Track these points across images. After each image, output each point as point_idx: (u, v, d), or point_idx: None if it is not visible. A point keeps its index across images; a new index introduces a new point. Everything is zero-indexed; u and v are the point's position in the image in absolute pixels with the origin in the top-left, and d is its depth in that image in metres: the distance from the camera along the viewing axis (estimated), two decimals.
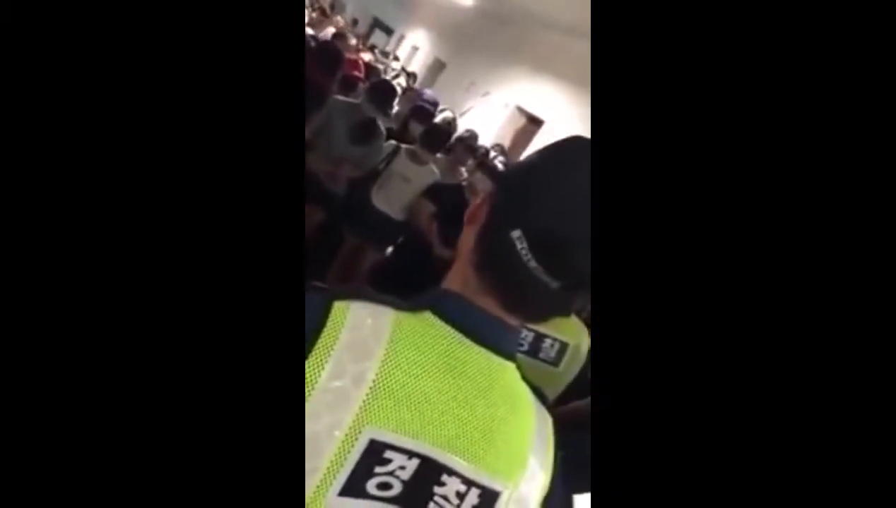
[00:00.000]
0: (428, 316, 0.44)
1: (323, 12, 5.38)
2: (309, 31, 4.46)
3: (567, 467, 0.51)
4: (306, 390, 0.39)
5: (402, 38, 11.66)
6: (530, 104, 5.82)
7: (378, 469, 0.40)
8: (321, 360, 0.39)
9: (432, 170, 2.67)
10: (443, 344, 0.43)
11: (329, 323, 0.41)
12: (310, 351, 0.40)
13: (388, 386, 0.40)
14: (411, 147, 2.71)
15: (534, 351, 1.10)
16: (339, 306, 0.42)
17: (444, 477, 0.42)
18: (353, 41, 5.48)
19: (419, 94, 4.31)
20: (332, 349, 0.40)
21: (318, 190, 2.60)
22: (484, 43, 7.47)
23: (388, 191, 2.66)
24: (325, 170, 2.57)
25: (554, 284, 0.42)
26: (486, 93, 6.55)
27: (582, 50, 5.15)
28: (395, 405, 0.40)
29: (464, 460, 0.42)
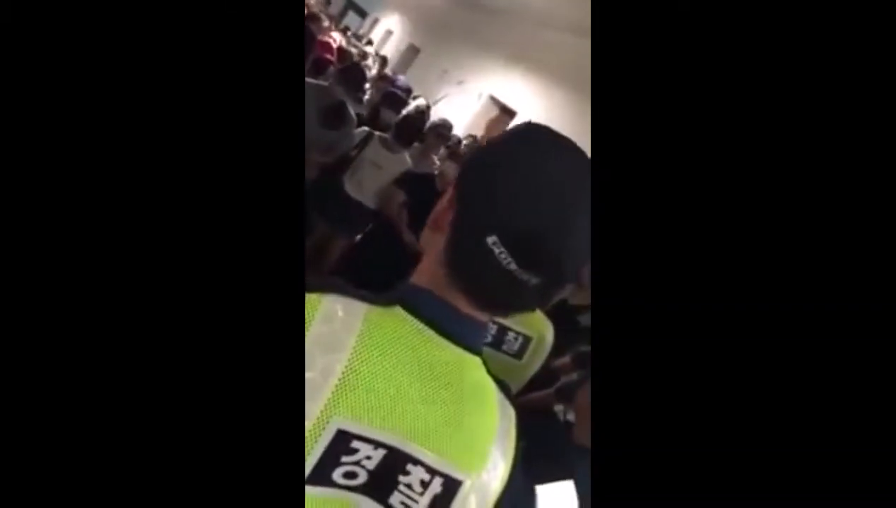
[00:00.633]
0: (398, 311, 0.45)
1: None
2: None
3: (528, 458, 0.52)
4: None
5: (375, 21, 11.46)
6: (504, 94, 5.83)
7: (344, 459, 0.41)
8: None
9: (405, 159, 2.66)
10: (412, 339, 0.44)
11: None
12: None
13: (357, 378, 0.40)
14: (384, 134, 2.68)
15: (497, 343, 1.11)
16: (310, 298, 0.42)
17: (409, 467, 0.43)
18: (326, 23, 5.34)
19: (392, 81, 4.25)
20: (304, 339, 0.40)
21: None
22: (459, 31, 7.41)
23: (360, 178, 2.63)
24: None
25: (534, 281, 0.42)
26: (461, 82, 6.52)
27: (556, 41, 5.18)
28: (363, 396, 0.41)
29: (429, 450, 0.43)
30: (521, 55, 5.81)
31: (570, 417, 1.24)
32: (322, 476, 0.40)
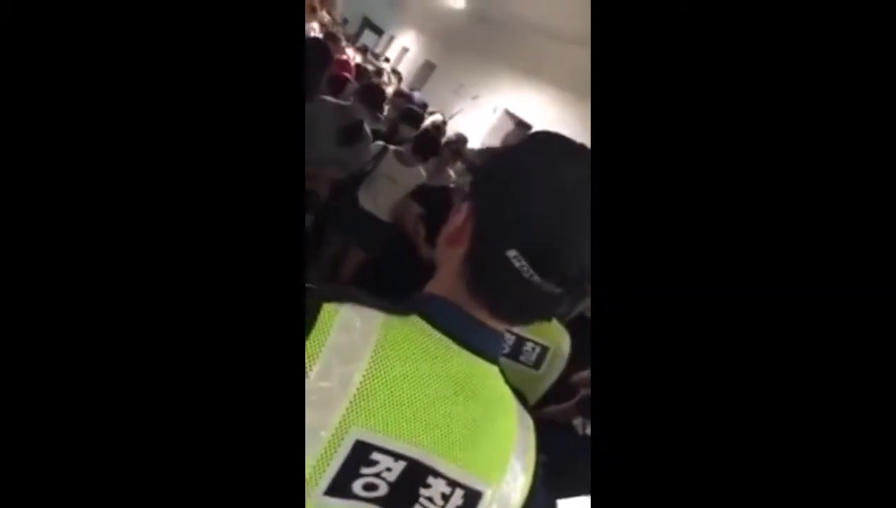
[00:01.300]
0: (415, 320, 0.45)
1: (312, 9, 5.35)
2: None
3: (548, 471, 0.51)
4: None
5: (391, 38, 11.65)
6: (519, 109, 5.86)
7: (364, 470, 0.41)
8: (309, 361, 0.40)
9: (419, 172, 2.68)
10: (430, 348, 0.44)
11: (318, 324, 0.41)
12: None
13: (376, 388, 0.40)
14: (399, 148, 2.71)
15: (514, 354, 1.11)
16: (328, 307, 0.42)
17: (430, 479, 0.42)
18: (344, 42, 5.45)
19: (408, 97, 4.30)
20: (321, 350, 0.40)
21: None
22: (474, 46, 7.49)
23: (374, 191, 2.66)
24: (308, 171, 2.56)
25: (557, 290, 0.42)
26: (476, 97, 6.58)
27: (572, 55, 5.20)
28: (381, 407, 0.40)
29: (449, 462, 0.43)
30: (536, 69, 5.84)
31: (590, 431, 1.22)
32: (342, 487, 0.40)
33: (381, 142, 2.71)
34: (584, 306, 1.43)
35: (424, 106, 4.44)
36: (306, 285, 0.46)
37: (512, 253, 0.41)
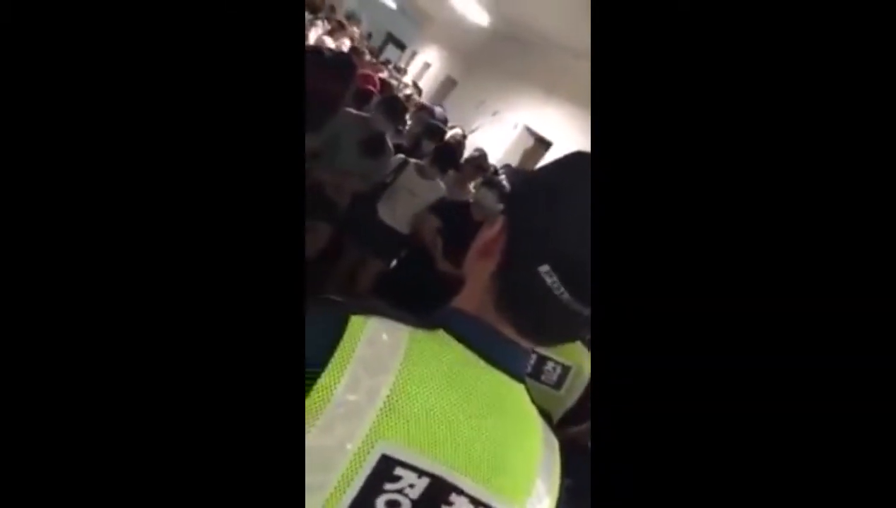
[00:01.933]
0: (442, 335, 0.44)
1: (340, 24, 5.47)
2: (328, 40, 4.53)
3: (571, 494, 0.50)
4: (321, 402, 0.39)
5: (414, 54, 11.83)
6: (539, 126, 5.88)
7: (388, 486, 0.40)
8: (337, 373, 0.39)
9: (439, 186, 2.69)
10: (456, 363, 0.43)
11: (346, 337, 0.41)
12: (326, 364, 0.39)
13: (402, 403, 0.40)
14: (420, 162, 2.73)
15: (536, 373, 1.10)
16: (356, 320, 0.42)
17: (453, 497, 0.41)
18: (369, 56, 5.55)
19: (430, 111, 4.35)
20: (349, 362, 0.40)
21: (322, 200, 2.62)
22: (495, 63, 7.57)
23: (394, 204, 2.68)
24: (330, 181, 2.60)
25: (586, 311, 0.42)
26: (496, 113, 6.62)
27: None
28: (407, 421, 0.40)
29: (473, 480, 0.42)
30: (556, 87, 5.87)
31: None
32: (366, 503, 0.39)
33: (401, 156, 2.74)
34: None
35: (445, 120, 4.48)
36: (334, 298, 0.46)
37: (544, 268, 0.41)
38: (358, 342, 0.41)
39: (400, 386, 0.40)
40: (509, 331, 0.45)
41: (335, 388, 0.39)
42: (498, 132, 6.31)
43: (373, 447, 0.39)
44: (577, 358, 1.12)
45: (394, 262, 2.76)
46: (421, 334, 0.44)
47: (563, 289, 0.41)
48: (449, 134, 3.54)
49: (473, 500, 0.42)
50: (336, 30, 5.16)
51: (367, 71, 3.88)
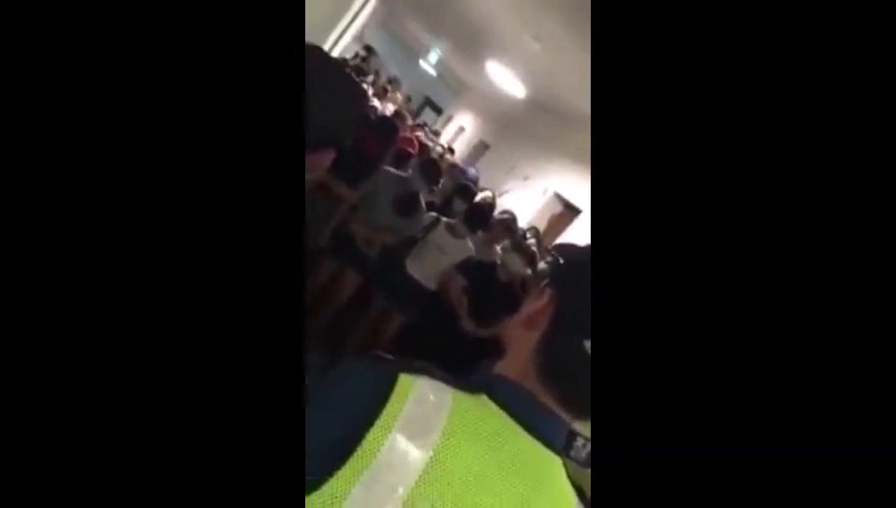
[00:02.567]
0: (485, 400, 0.45)
1: (385, 90, 5.82)
2: (375, 102, 4.78)
3: None
4: (367, 458, 0.39)
5: (450, 118, 12.34)
6: (569, 193, 5.97)
7: None
8: (385, 431, 0.40)
9: (468, 245, 2.74)
10: (497, 430, 0.44)
11: (395, 394, 0.42)
12: (375, 420, 0.40)
13: (445, 465, 0.40)
14: (451, 221, 2.80)
15: (566, 449, 1.07)
16: (404, 378, 0.43)
17: None
18: (410, 120, 5.85)
19: (463, 172, 4.49)
20: (396, 420, 0.41)
21: (353, 252, 2.69)
22: (528, 130, 7.81)
23: (422, 260, 2.73)
24: (363, 235, 2.68)
25: None
26: (527, 178, 6.77)
27: None
28: (449, 484, 0.40)
29: None
30: (585, 156, 6.00)
31: None
32: None
33: (433, 214, 2.82)
34: None
35: (477, 181, 4.61)
36: (383, 355, 0.49)
37: (588, 343, 0.42)
38: (406, 400, 0.42)
39: (443, 447, 0.41)
40: (550, 402, 0.46)
41: (382, 446, 0.39)
42: (527, 196, 6.42)
43: (414, 507, 0.40)
44: None
45: (416, 319, 2.77)
46: (465, 397, 0.44)
47: None
48: (479, 196, 3.63)
49: None
50: (381, 95, 5.47)
51: (408, 134, 4.07)
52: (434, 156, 4.25)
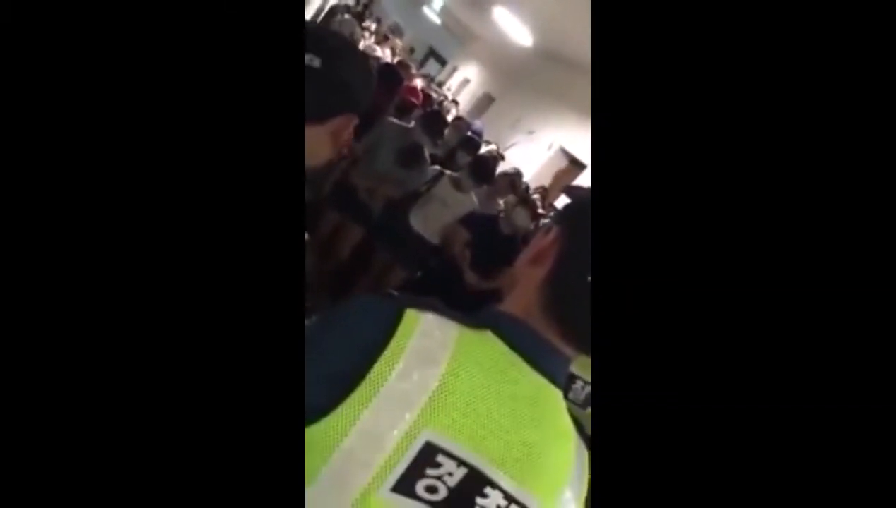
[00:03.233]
0: (489, 335, 0.46)
1: (386, 38, 5.63)
2: (377, 49, 4.64)
3: None
4: (374, 387, 0.41)
5: (454, 69, 11.99)
6: (574, 147, 5.87)
7: (429, 472, 0.42)
8: (392, 362, 0.42)
9: (472, 199, 2.73)
10: (502, 364, 0.45)
11: (401, 328, 0.43)
12: (381, 352, 0.42)
13: (449, 395, 0.42)
14: (455, 174, 2.77)
15: (564, 390, 1.10)
16: (410, 313, 0.44)
17: (488, 490, 0.43)
18: (414, 70, 5.69)
19: (468, 125, 4.41)
20: (403, 352, 0.42)
21: (356, 204, 2.68)
22: (534, 82, 7.61)
23: (426, 213, 2.72)
24: (365, 186, 2.66)
25: None
26: (531, 132, 6.65)
27: None
28: (452, 413, 0.42)
29: (508, 476, 0.44)
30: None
31: None
32: (407, 486, 0.42)
33: (437, 167, 2.78)
34: None
35: (481, 134, 4.53)
36: (392, 292, 0.49)
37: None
38: (412, 334, 0.43)
39: (448, 379, 0.42)
40: (553, 337, 0.47)
41: (388, 376, 0.41)
42: (532, 151, 6.33)
43: (418, 434, 0.41)
44: None
45: (419, 273, 2.79)
46: (469, 332, 0.46)
47: None
48: (484, 149, 3.58)
49: (507, 496, 0.44)
50: (381, 41, 5.29)
51: (412, 84, 3.97)
52: (436, 107, 4.16)
